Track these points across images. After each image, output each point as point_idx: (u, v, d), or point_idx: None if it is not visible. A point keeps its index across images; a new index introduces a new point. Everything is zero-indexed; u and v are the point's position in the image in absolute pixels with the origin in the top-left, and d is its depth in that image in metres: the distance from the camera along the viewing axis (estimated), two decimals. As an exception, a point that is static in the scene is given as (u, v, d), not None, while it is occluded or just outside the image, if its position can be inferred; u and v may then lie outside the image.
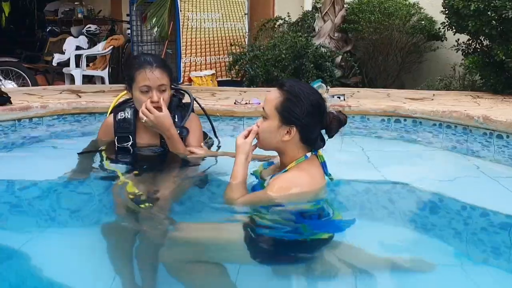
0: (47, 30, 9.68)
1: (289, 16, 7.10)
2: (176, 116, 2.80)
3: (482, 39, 5.23)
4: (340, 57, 6.33)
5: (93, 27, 8.89)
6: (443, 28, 5.55)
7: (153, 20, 6.69)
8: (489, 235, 2.51)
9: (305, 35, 6.32)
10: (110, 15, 9.91)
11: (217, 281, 1.93)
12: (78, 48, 8.44)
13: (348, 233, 2.22)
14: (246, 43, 7.26)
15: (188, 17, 6.92)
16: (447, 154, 3.75)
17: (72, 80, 7.93)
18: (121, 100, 3.04)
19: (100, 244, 2.19)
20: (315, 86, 3.53)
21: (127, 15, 8.14)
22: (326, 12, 6.54)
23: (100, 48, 8.19)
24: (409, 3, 6.52)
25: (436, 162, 3.70)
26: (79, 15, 10.15)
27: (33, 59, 9.03)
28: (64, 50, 8.52)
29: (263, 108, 2.24)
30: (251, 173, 2.42)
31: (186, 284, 1.92)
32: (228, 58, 6.98)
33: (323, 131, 2.28)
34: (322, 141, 2.29)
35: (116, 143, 2.82)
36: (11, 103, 3.78)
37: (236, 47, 6.91)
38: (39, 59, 9.16)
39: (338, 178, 2.42)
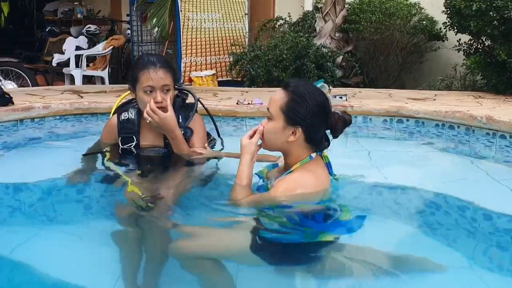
0: (47, 30, 9.64)
1: (289, 16, 7.09)
2: (180, 116, 2.79)
3: (484, 39, 5.23)
4: (341, 57, 6.33)
5: (93, 27, 8.87)
6: (444, 28, 5.54)
7: (154, 20, 6.67)
8: (493, 236, 2.51)
9: (306, 35, 6.32)
10: (110, 15, 9.91)
11: (224, 276, 1.94)
12: (78, 48, 8.42)
13: (354, 233, 2.22)
14: (247, 43, 7.25)
15: (189, 17, 6.91)
16: (450, 154, 3.74)
17: (72, 80, 7.91)
18: (124, 100, 3.03)
19: (102, 245, 2.20)
20: (317, 86, 3.52)
21: (127, 15, 8.13)
22: (327, 12, 6.54)
23: (100, 48, 8.16)
24: (410, 3, 6.53)
25: (438, 162, 3.69)
26: (79, 15, 10.14)
27: (32, 59, 9.00)
28: (64, 50, 8.49)
29: (267, 108, 2.23)
30: (255, 173, 2.41)
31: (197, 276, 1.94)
32: (228, 58, 6.97)
33: (327, 132, 2.28)
34: (327, 141, 2.28)
35: (120, 144, 2.80)
36: (13, 104, 3.77)
37: (237, 47, 6.90)
38: (39, 59, 9.14)
39: (341, 178, 2.41)
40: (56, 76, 8.27)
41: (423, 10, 6.53)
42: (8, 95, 3.78)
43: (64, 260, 2.10)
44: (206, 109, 3.17)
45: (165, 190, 2.53)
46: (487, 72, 5.04)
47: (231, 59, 6.63)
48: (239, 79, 6.69)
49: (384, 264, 2.10)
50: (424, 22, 6.38)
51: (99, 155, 2.93)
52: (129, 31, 8.05)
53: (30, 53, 9.33)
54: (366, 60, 6.71)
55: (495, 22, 4.65)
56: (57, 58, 8.29)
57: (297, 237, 2.14)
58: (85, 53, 8.07)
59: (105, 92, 4.79)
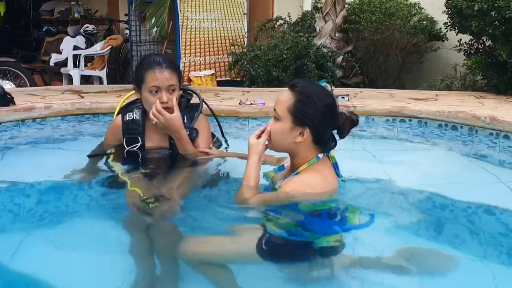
0: (43, 30, 9.58)
1: (289, 16, 7.09)
2: (185, 117, 2.77)
3: (485, 40, 5.24)
4: (341, 57, 6.33)
5: (90, 27, 8.81)
6: (445, 28, 5.55)
7: (153, 20, 6.65)
8: (496, 236, 2.50)
9: (306, 35, 6.31)
10: (107, 15, 9.86)
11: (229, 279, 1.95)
12: (75, 48, 8.38)
13: (358, 233, 2.21)
14: (245, 43, 7.24)
15: (188, 17, 6.90)
16: (453, 155, 3.74)
17: (70, 80, 7.87)
18: (127, 101, 3.01)
19: (104, 246, 2.19)
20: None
21: (125, 14, 8.11)
22: (327, 12, 6.54)
23: (98, 48, 8.13)
24: (410, 3, 6.53)
25: (441, 162, 3.69)
26: (76, 15, 10.09)
27: (29, 59, 8.96)
28: (61, 50, 8.45)
29: (274, 109, 2.21)
30: (263, 172, 2.40)
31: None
32: (227, 58, 6.96)
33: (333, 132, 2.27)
34: (333, 141, 2.27)
35: (124, 144, 2.78)
36: (15, 104, 3.74)
37: (236, 47, 6.89)
38: (36, 59, 9.09)
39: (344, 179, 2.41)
40: (53, 76, 8.23)
41: (423, 10, 6.54)
42: (10, 95, 3.76)
43: (66, 261, 2.10)
44: (210, 109, 3.15)
45: (170, 191, 2.52)
46: (488, 72, 5.05)
47: (231, 59, 6.62)
48: (238, 79, 6.68)
49: (390, 263, 2.09)
50: (424, 22, 6.38)
51: (104, 156, 2.91)
52: (127, 31, 8.02)
53: (27, 53, 9.28)
54: (366, 60, 6.72)
55: (497, 22, 4.66)
56: (54, 58, 8.24)
57: (303, 239, 2.13)
58: (83, 53, 8.03)
59: (106, 92, 4.77)
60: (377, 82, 6.60)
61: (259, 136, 2.26)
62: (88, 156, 2.90)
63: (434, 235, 2.48)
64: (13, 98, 3.75)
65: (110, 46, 7.97)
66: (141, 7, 7.16)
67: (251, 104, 4.09)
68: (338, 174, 2.30)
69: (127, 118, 2.79)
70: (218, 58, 7.26)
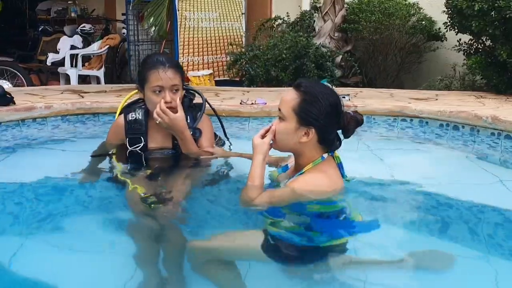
0: (40, 29, 9.55)
1: (288, 16, 7.08)
2: (188, 117, 2.76)
3: (485, 39, 5.24)
4: (340, 57, 6.33)
5: (87, 27, 8.79)
6: (445, 28, 5.55)
7: (151, 19, 6.65)
8: (497, 236, 2.51)
9: (305, 35, 6.31)
10: (104, 14, 9.83)
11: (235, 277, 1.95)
12: (72, 47, 8.36)
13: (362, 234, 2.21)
14: (244, 42, 7.24)
15: (186, 16, 6.89)
16: (454, 154, 3.74)
17: (67, 80, 7.85)
18: (128, 101, 2.99)
19: (105, 248, 2.18)
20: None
21: (123, 14, 8.08)
22: (327, 11, 6.55)
23: (95, 48, 8.10)
24: (409, 3, 6.54)
25: (443, 162, 3.68)
26: (72, 14, 10.07)
27: (25, 59, 8.92)
28: (58, 50, 8.42)
29: (279, 109, 2.20)
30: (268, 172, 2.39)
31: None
32: (226, 58, 6.95)
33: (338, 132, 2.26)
34: (338, 141, 2.26)
35: (127, 144, 2.76)
36: (15, 104, 3.72)
37: (235, 46, 6.88)
38: (32, 59, 9.06)
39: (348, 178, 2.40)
40: (50, 75, 8.20)
41: (422, 10, 6.55)
42: (10, 95, 3.74)
43: (67, 261, 2.09)
44: (213, 109, 3.13)
45: (174, 190, 2.51)
46: (487, 72, 5.06)
47: (229, 58, 6.61)
48: (236, 79, 6.66)
49: (391, 263, 2.09)
50: (423, 22, 6.40)
51: (107, 156, 2.89)
52: (124, 30, 8.00)
53: (24, 53, 9.24)
54: (365, 60, 6.72)
55: (497, 22, 4.66)
56: (51, 58, 8.22)
57: (307, 239, 2.11)
58: (80, 52, 8.01)
59: (105, 92, 4.76)
60: (376, 82, 6.60)
61: (263, 136, 2.24)
62: (92, 156, 2.88)
63: (434, 235, 2.47)
64: (13, 98, 3.73)
65: (108, 46, 7.95)
66: (139, 6, 7.15)
67: (252, 104, 4.08)
68: (342, 174, 2.29)
69: (130, 118, 2.76)
70: (216, 57, 7.26)
